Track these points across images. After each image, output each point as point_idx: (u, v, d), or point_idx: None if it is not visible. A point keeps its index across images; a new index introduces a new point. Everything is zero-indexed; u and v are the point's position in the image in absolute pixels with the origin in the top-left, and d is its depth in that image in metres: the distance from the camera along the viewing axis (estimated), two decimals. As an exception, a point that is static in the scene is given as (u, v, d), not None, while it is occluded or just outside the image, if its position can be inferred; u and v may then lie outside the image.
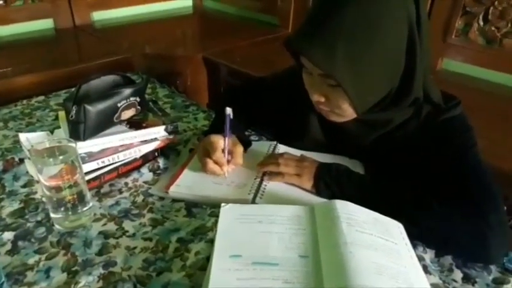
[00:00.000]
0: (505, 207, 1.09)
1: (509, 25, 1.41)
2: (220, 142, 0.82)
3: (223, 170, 0.82)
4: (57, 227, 0.74)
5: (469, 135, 0.77)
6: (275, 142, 0.95)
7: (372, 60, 0.69)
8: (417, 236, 0.68)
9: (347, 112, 0.76)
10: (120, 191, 0.83)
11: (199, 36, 2.32)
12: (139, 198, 0.81)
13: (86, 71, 1.64)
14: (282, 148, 0.93)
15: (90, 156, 0.84)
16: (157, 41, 2.06)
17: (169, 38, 2.14)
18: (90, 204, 0.76)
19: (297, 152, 0.88)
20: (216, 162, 0.81)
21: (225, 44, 1.97)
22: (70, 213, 0.73)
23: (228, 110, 0.80)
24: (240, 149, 0.85)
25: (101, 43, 2.02)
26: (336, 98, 0.74)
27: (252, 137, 1.01)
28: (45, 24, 2.12)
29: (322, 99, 0.76)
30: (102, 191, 0.83)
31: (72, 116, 0.83)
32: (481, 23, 1.48)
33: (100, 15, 2.28)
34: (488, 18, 1.45)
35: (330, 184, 0.76)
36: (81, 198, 0.74)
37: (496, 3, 1.42)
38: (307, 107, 0.84)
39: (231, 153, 0.84)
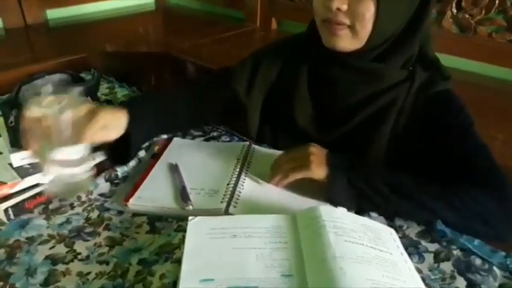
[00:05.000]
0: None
1: (483, 12, 1.37)
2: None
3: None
4: None
5: (466, 112, 0.77)
6: (247, 143, 0.86)
7: None
8: (450, 222, 0.65)
9: (365, 28, 0.70)
10: (72, 206, 0.72)
11: (163, 33, 2.20)
12: (94, 214, 0.70)
13: (40, 72, 1.51)
14: (256, 149, 0.84)
15: (35, 168, 0.73)
16: (118, 39, 1.93)
17: (131, 35, 2.02)
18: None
19: (274, 152, 0.81)
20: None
21: (191, 40, 1.87)
22: None
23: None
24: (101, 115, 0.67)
25: (56, 42, 1.87)
26: (361, 4, 0.69)
27: (223, 138, 0.92)
28: (-8, 24, 1.96)
29: (345, 6, 0.69)
30: (50, 207, 0.72)
31: (11, 122, 0.73)
32: (455, 11, 1.44)
33: (54, 13, 2.12)
34: (461, 5, 1.41)
35: (346, 167, 0.67)
36: None
37: (469, -11, 1.38)
38: (294, 73, 0.82)
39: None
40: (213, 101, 0.91)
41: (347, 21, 0.71)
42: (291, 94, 0.85)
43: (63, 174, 0.64)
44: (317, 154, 0.69)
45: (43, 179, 0.68)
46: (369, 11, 0.69)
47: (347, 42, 0.73)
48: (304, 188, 0.71)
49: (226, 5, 2.19)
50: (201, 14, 2.28)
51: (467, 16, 1.41)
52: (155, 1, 2.44)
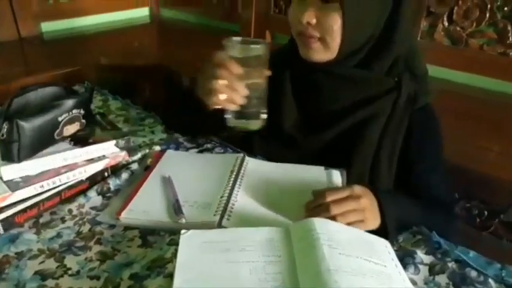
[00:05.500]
0: (486, 212, 1.08)
1: (474, 25, 1.39)
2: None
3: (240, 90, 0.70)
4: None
5: (440, 132, 0.84)
6: (241, 154, 0.86)
7: None
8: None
9: (334, 40, 0.74)
10: (63, 220, 0.71)
11: (157, 45, 2.21)
12: (86, 228, 0.69)
13: (34, 85, 1.50)
14: (250, 161, 0.84)
15: (26, 181, 0.72)
16: (113, 51, 1.93)
17: (126, 48, 2.02)
18: None
19: (268, 165, 0.81)
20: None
21: (186, 53, 1.88)
22: None
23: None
24: None
25: (50, 55, 1.87)
26: (328, 17, 0.73)
27: (217, 149, 0.92)
28: (-14, 37, 1.96)
29: (313, 20, 0.73)
30: (41, 220, 0.71)
31: (3, 135, 0.72)
32: (446, 24, 1.45)
33: (49, 26, 2.12)
34: (452, 18, 1.43)
35: (395, 213, 0.67)
36: None
37: (460, 2, 1.39)
38: (279, 83, 0.84)
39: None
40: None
41: (317, 34, 0.75)
42: (277, 102, 0.86)
43: (239, 113, 0.72)
44: (371, 209, 0.66)
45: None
46: (336, 23, 0.73)
47: (321, 54, 0.77)
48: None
49: (221, 18, 2.20)
50: (196, 27, 2.29)
51: (458, 29, 1.43)
52: (150, 14, 2.46)
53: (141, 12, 2.44)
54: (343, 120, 0.81)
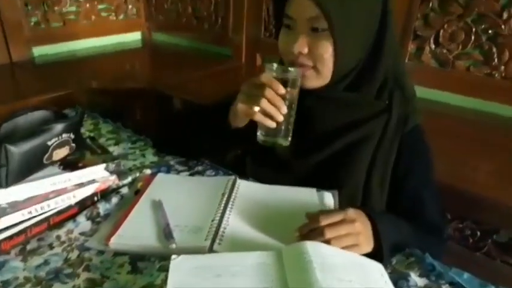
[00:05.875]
0: (478, 232, 1.07)
1: (460, 47, 1.42)
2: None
3: (282, 109, 0.72)
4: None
5: (431, 157, 0.84)
6: (233, 177, 0.85)
7: (360, 10, 0.74)
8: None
9: (326, 67, 0.76)
10: (51, 247, 0.69)
11: (149, 69, 2.22)
12: (74, 254, 0.67)
13: (25, 109, 1.49)
14: (242, 183, 0.83)
15: (13, 207, 0.71)
16: (105, 75, 1.93)
17: (118, 72, 2.03)
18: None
19: (260, 187, 0.80)
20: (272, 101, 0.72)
21: (177, 76, 1.88)
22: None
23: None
24: None
25: (42, 79, 1.87)
26: (319, 46, 0.74)
27: (208, 172, 0.91)
28: (-23, 61, 1.95)
29: (305, 49, 0.75)
30: (28, 247, 0.69)
31: (-9, 160, 0.70)
32: (433, 46, 1.48)
33: (41, 51, 2.13)
34: (439, 41, 1.46)
35: (390, 236, 0.67)
36: None
37: (446, 26, 1.43)
38: None
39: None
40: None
41: (310, 63, 0.76)
42: None
43: (273, 129, 0.75)
44: (365, 233, 0.66)
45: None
46: (327, 52, 0.74)
47: (313, 81, 0.78)
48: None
49: (212, 43, 2.23)
50: (188, 51, 2.31)
51: (445, 51, 1.46)
52: (142, 38, 2.48)
53: (134, 37, 2.46)
54: (334, 142, 0.81)
